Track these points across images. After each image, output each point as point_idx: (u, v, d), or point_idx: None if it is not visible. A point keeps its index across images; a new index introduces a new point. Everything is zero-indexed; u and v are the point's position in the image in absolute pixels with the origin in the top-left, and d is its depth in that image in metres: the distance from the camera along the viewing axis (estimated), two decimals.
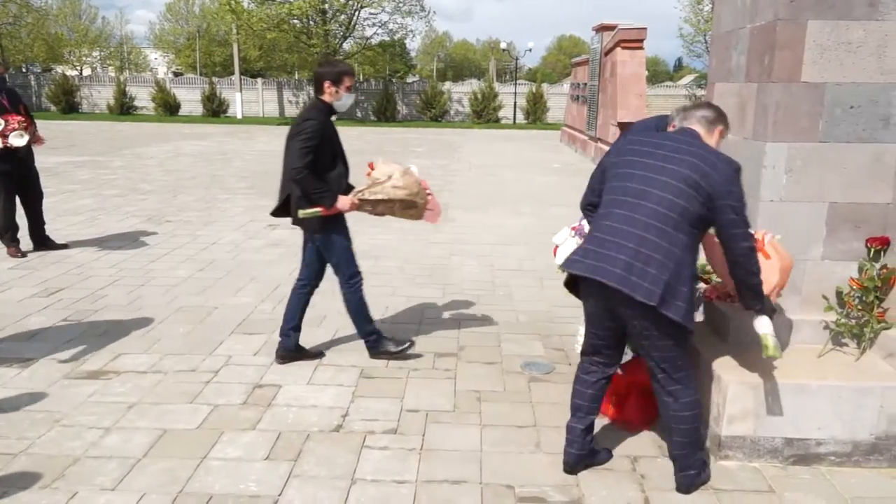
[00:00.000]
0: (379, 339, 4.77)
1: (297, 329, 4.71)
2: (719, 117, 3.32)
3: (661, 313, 2.93)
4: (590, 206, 3.41)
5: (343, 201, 4.35)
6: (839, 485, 3.35)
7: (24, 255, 7.20)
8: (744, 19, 3.98)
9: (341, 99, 4.42)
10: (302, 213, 4.30)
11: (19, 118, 6.83)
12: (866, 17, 3.52)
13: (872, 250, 3.69)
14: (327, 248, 4.51)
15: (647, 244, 2.96)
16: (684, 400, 3.19)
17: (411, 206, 4.48)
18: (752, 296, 3.20)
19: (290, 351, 4.69)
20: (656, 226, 2.98)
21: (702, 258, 3.47)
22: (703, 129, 3.26)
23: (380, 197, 4.36)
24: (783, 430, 3.47)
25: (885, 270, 3.65)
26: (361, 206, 4.41)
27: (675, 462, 3.30)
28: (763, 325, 3.25)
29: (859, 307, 3.70)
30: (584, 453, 3.41)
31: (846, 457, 3.48)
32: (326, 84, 4.36)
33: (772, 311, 3.28)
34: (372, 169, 4.46)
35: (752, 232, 3.32)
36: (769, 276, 3.38)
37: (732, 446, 3.50)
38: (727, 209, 3.02)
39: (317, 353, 4.81)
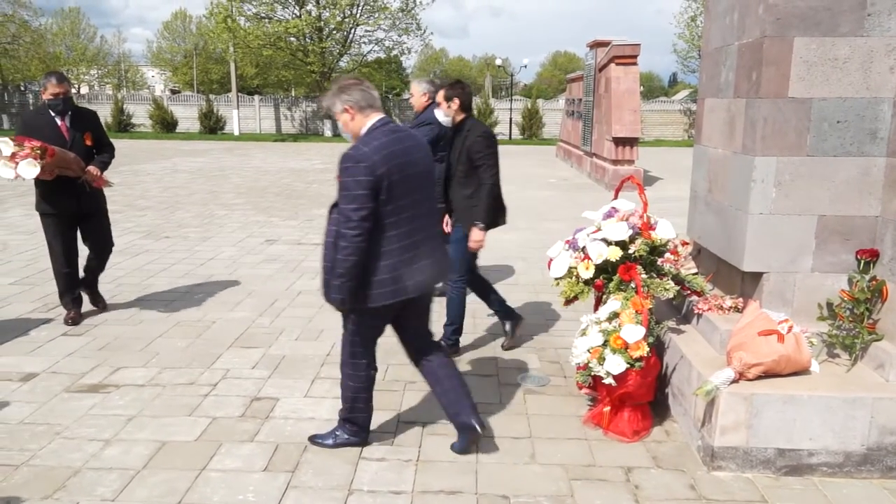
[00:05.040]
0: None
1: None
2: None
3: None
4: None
5: None
6: (831, 495, 3.38)
7: (74, 321, 5.69)
8: (732, 36, 4.07)
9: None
10: None
11: (35, 143, 5.08)
12: (852, 34, 3.60)
13: (862, 262, 3.75)
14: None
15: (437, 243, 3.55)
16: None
17: None
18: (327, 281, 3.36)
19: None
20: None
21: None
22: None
23: None
24: (775, 441, 3.51)
25: (874, 282, 3.70)
26: None
27: None
28: (718, 375, 3.51)
29: (850, 319, 3.75)
30: None
31: (838, 467, 3.52)
32: None
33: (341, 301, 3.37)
34: None
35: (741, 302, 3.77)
36: (766, 355, 3.50)
37: (725, 457, 3.54)
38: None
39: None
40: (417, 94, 6.02)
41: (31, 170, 5.07)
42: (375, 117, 3.39)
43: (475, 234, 4.82)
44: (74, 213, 5.60)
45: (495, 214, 5.00)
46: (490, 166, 4.84)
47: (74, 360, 4.87)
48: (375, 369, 3.76)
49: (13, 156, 5.04)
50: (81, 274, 5.89)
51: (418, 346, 3.76)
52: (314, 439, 3.80)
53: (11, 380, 4.53)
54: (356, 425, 3.77)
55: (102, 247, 5.87)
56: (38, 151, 5.06)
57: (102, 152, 5.77)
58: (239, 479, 3.43)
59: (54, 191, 5.41)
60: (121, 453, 3.64)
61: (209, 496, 3.28)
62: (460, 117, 4.96)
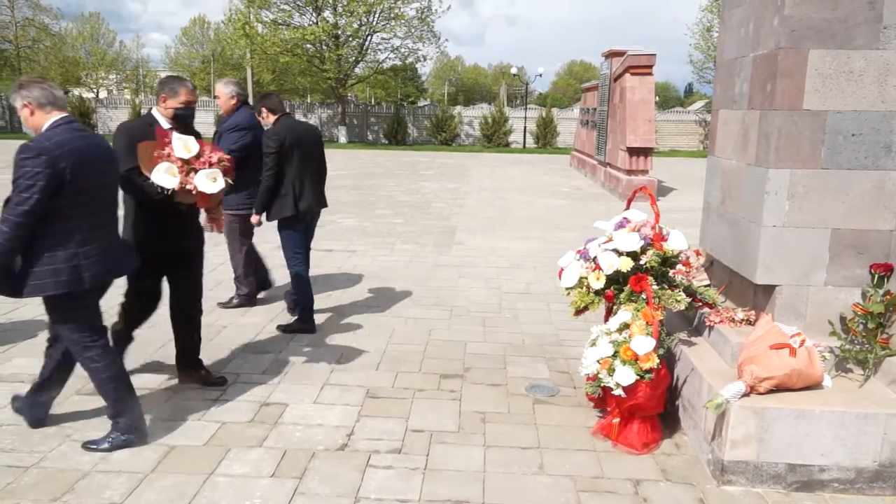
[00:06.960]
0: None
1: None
2: None
3: None
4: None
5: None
6: None
7: None
8: (747, 48, 4.05)
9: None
10: None
11: (221, 153, 4.01)
12: (867, 47, 3.58)
13: (876, 276, 3.72)
14: None
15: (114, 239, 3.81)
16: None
17: None
18: None
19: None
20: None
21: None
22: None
23: None
24: (786, 456, 3.47)
25: (888, 297, 3.67)
26: None
27: None
28: (729, 388, 3.48)
29: (863, 333, 3.72)
30: None
31: (849, 484, 3.48)
32: None
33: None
34: None
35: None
36: (778, 368, 3.48)
37: (735, 471, 3.51)
38: None
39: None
40: (225, 96, 6.01)
41: (209, 184, 3.87)
42: (57, 115, 3.53)
43: (252, 218, 5.66)
44: (170, 256, 4.45)
45: (275, 204, 5.53)
46: (265, 164, 5.36)
47: None
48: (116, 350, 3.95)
49: (187, 161, 3.84)
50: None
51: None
52: (87, 445, 3.72)
53: (23, 382, 4.55)
54: (127, 418, 3.73)
55: (193, 301, 4.65)
56: (226, 164, 3.97)
57: None
58: (246, 485, 3.43)
59: (170, 227, 4.27)
60: (129, 457, 3.65)
61: (217, 501, 3.29)
62: (274, 119, 5.43)
